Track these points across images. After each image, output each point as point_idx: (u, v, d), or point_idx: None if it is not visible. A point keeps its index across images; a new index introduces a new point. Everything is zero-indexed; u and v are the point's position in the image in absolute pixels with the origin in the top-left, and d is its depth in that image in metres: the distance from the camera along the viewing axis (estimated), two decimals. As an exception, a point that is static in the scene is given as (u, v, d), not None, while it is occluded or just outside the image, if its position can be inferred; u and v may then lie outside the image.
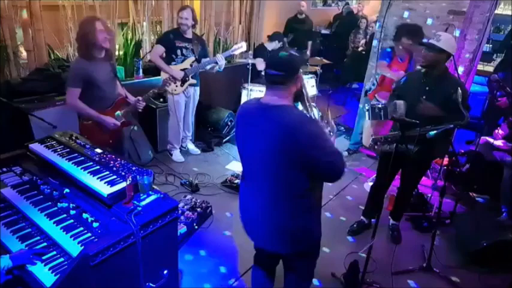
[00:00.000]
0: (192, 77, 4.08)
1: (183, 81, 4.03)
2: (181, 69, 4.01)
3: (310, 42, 7.00)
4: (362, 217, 3.40)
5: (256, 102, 1.78)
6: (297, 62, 1.71)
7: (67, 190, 1.97)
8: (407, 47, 3.79)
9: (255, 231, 1.97)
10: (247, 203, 1.94)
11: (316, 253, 2.08)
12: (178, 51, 3.97)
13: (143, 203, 1.83)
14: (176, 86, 4.02)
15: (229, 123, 5.16)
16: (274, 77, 1.67)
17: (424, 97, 2.73)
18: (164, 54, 4.00)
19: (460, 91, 2.58)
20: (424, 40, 2.74)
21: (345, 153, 4.81)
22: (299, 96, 1.77)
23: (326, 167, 1.67)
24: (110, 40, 2.78)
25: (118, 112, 2.98)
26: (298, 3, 6.84)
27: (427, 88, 2.75)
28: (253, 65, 4.80)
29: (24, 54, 3.76)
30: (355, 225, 3.37)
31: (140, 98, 3.10)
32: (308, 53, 6.74)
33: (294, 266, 2.07)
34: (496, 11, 4.52)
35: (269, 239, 1.92)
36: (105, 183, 1.92)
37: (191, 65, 4.04)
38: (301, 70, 1.75)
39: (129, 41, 4.59)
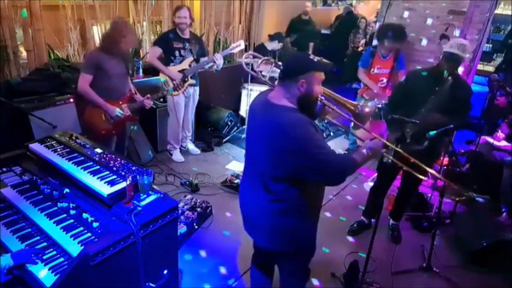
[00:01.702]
0: (191, 77, 4.08)
1: (183, 81, 4.03)
2: (181, 70, 4.00)
3: (311, 44, 6.97)
4: (362, 217, 3.40)
5: (264, 96, 1.81)
6: (297, 63, 1.71)
7: (67, 190, 1.97)
8: (391, 47, 3.89)
9: (248, 224, 2.01)
10: (243, 192, 1.99)
11: (307, 254, 2.05)
12: (177, 52, 3.96)
13: (143, 203, 1.83)
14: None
15: (229, 123, 5.16)
16: (279, 73, 1.74)
17: (432, 96, 2.74)
18: (162, 55, 3.99)
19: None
20: (449, 51, 2.67)
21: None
22: (306, 103, 1.70)
23: (316, 173, 1.64)
24: (131, 45, 3.13)
25: (125, 105, 3.18)
26: (302, 3, 6.81)
27: (437, 88, 2.75)
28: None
29: (24, 54, 3.76)
30: (355, 225, 3.36)
31: (149, 95, 3.32)
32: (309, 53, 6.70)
33: (283, 265, 2.09)
34: (496, 11, 4.53)
35: (257, 233, 1.96)
36: (105, 183, 1.92)
37: (190, 65, 4.03)
38: (313, 77, 1.68)
39: (129, 41, 4.59)
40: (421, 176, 2.22)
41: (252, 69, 2.98)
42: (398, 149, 2.06)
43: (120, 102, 3.17)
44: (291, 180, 1.72)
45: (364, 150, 1.81)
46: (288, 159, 1.64)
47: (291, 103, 1.70)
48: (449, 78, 2.68)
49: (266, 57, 2.57)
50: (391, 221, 3.38)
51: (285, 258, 2.03)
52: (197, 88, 4.28)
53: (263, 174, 1.79)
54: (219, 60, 3.99)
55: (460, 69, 4.30)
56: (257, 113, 1.80)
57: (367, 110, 1.93)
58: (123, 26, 3.00)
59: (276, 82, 1.83)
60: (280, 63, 2.53)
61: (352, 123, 2.03)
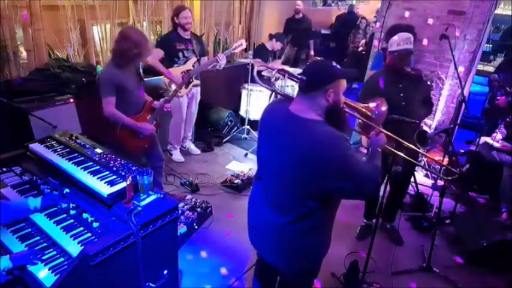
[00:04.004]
0: (195, 78, 4.09)
1: (187, 82, 4.04)
2: (185, 71, 3.99)
3: (311, 42, 6.99)
4: (365, 220, 3.39)
5: (284, 106, 1.68)
6: (323, 72, 1.59)
7: (67, 190, 1.97)
8: None
9: (257, 237, 1.90)
10: (255, 207, 1.87)
11: (315, 274, 1.97)
12: (180, 54, 3.96)
13: (143, 203, 1.83)
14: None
15: (229, 123, 5.16)
16: (300, 82, 1.62)
17: (401, 94, 2.80)
18: (164, 57, 3.98)
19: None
20: (402, 48, 2.74)
21: None
22: (333, 114, 1.61)
23: (354, 191, 1.57)
24: (149, 55, 2.98)
25: (149, 116, 3.05)
26: (294, 3, 6.83)
27: (401, 86, 2.81)
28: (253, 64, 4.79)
29: (24, 54, 3.75)
30: (362, 230, 3.34)
31: (167, 98, 3.18)
32: (312, 52, 6.73)
33: (287, 283, 1.93)
34: (496, 11, 4.53)
35: (269, 250, 1.85)
36: (105, 183, 1.93)
37: (193, 66, 4.03)
38: (339, 86, 1.60)
39: (129, 41, 4.58)
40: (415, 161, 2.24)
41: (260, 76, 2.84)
42: (402, 141, 2.05)
43: (144, 115, 3.01)
44: (322, 200, 1.62)
45: (377, 149, 1.78)
46: (326, 181, 1.52)
47: (319, 116, 1.59)
48: (409, 70, 2.80)
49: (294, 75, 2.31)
50: (388, 224, 3.37)
51: (292, 277, 1.88)
52: (199, 88, 4.29)
53: (286, 194, 1.66)
54: (223, 60, 4.01)
55: (460, 69, 4.30)
56: (278, 128, 1.65)
57: (383, 109, 1.90)
58: (138, 37, 2.71)
59: (296, 93, 1.69)
60: (290, 70, 2.39)
61: (357, 124, 2.01)
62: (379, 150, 1.79)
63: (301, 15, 6.90)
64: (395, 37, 2.80)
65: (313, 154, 1.51)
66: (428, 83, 3.08)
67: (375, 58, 4.34)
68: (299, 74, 1.66)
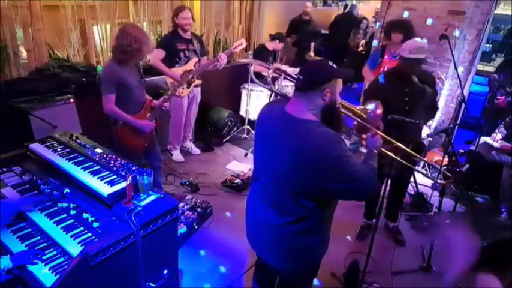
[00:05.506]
0: (196, 78, 4.09)
1: (189, 83, 4.04)
2: (187, 71, 3.99)
3: (312, 44, 6.99)
4: (365, 220, 3.39)
5: (280, 106, 1.68)
6: (321, 71, 1.58)
7: (67, 190, 1.97)
8: (399, 42, 3.68)
9: (255, 238, 1.90)
10: (253, 208, 1.87)
11: (314, 274, 1.98)
12: (181, 54, 3.96)
13: (143, 202, 1.83)
14: (183, 88, 4.02)
15: (229, 123, 5.16)
16: (297, 81, 1.62)
17: (406, 99, 2.77)
18: (165, 57, 3.98)
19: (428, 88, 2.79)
20: (411, 57, 2.71)
21: None
22: (330, 114, 1.61)
23: (351, 192, 1.58)
24: (149, 51, 2.94)
25: (149, 114, 3.03)
26: (302, 3, 6.81)
27: (407, 90, 2.78)
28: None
29: (24, 54, 3.75)
30: (362, 230, 3.34)
31: (166, 97, 3.17)
32: (312, 53, 6.73)
33: (286, 284, 1.95)
34: (495, 11, 4.53)
35: (268, 251, 1.85)
36: (105, 183, 1.93)
37: (195, 66, 4.03)
38: (336, 85, 1.59)
39: (129, 41, 4.58)
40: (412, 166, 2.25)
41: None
42: (397, 143, 2.06)
43: (144, 113, 3.01)
44: (318, 200, 1.62)
45: (373, 151, 1.79)
46: (321, 182, 1.53)
47: (315, 116, 1.59)
48: (416, 81, 2.77)
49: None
50: (391, 224, 3.37)
51: (290, 277, 1.89)
52: (199, 88, 4.29)
53: (283, 195, 1.65)
54: (223, 60, 4.02)
55: (460, 69, 4.31)
56: (274, 128, 1.65)
57: (378, 111, 1.90)
58: (137, 32, 2.71)
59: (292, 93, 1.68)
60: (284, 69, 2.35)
61: (354, 126, 2.01)
62: (375, 151, 1.80)
63: (308, 16, 6.87)
64: (409, 43, 2.78)
65: (308, 155, 1.51)
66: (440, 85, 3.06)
67: (372, 55, 4.33)
68: (296, 74, 1.65)
